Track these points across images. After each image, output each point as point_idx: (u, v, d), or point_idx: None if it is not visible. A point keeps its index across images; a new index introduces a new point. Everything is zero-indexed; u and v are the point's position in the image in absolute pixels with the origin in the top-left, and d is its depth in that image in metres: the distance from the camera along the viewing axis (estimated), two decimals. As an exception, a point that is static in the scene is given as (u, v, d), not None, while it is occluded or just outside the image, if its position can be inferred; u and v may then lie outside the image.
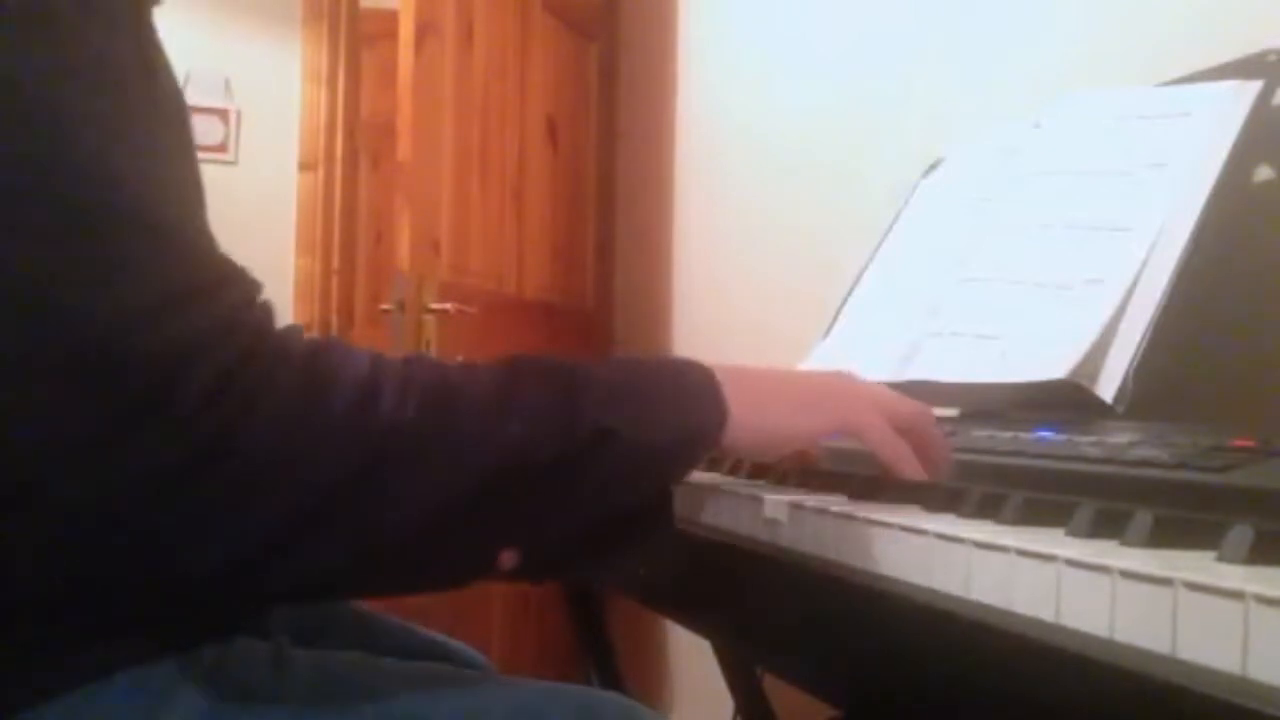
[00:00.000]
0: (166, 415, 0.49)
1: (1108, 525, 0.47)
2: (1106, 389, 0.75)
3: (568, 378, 0.60)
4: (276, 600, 0.65)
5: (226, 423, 0.50)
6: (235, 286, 0.55)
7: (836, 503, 0.62)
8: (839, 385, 0.69)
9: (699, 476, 0.82)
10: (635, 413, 0.60)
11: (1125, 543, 0.44)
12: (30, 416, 0.49)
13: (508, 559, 0.59)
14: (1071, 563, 0.41)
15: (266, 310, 0.56)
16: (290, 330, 0.56)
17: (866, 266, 1.11)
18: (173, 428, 0.49)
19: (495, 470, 0.57)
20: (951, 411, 0.90)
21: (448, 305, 1.94)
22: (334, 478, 0.53)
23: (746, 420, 0.64)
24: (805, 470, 0.74)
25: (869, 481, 0.66)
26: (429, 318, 1.93)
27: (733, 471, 0.83)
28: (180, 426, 0.49)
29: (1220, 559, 0.41)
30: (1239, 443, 0.54)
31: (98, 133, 0.51)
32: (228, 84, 3.76)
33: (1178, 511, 0.46)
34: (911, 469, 0.66)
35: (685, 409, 0.63)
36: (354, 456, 0.53)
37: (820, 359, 1.05)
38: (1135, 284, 0.78)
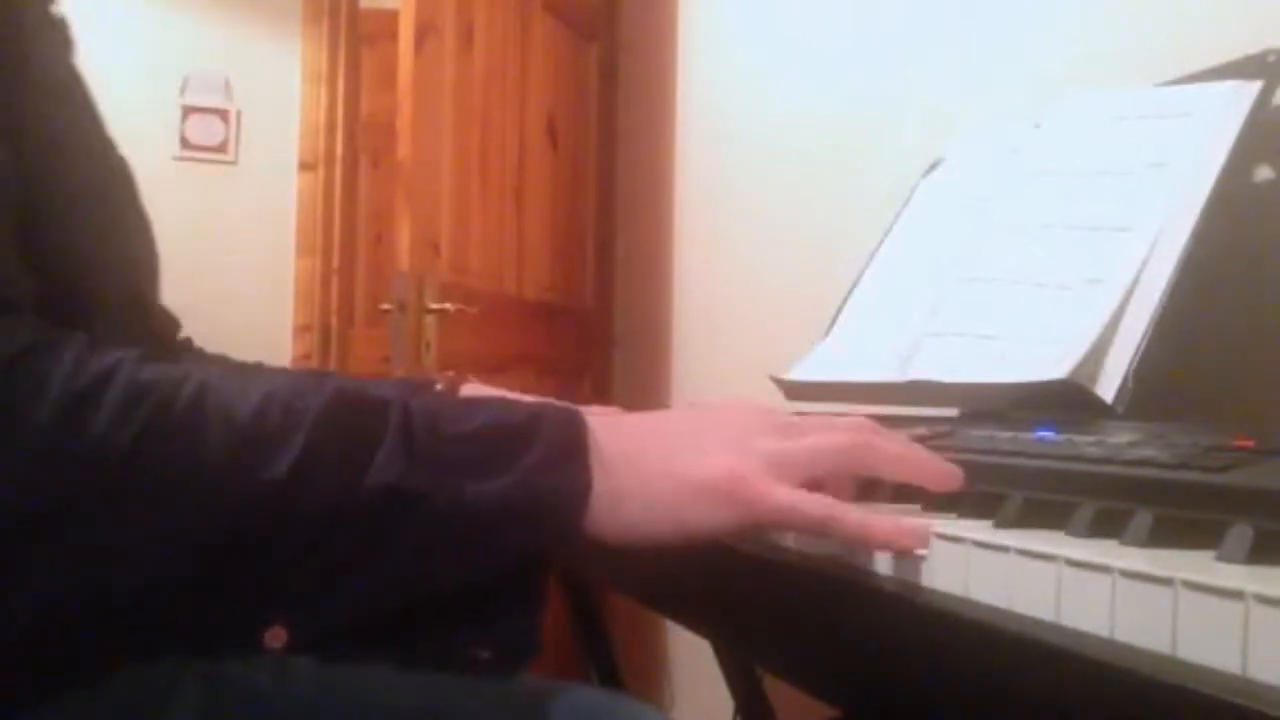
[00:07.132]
0: None
1: (1108, 525, 0.47)
2: (1106, 389, 0.75)
3: (377, 418, 0.49)
4: None
5: None
6: None
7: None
8: (747, 454, 0.53)
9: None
10: (456, 472, 0.48)
11: (1125, 543, 0.44)
12: None
13: (274, 636, 0.48)
14: (1071, 563, 0.41)
15: None
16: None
17: (866, 266, 1.11)
18: None
19: (239, 519, 0.46)
20: (951, 411, 0.90)
21: (448, 305, 1.94)
22: (15, 519, 0.43)
23: (615, 500, 0.51)
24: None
25: (868, 480, 0.66)
26: (429, 318, 1.94)
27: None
28: None
29: (1220, 559, 0.41)
30: (1239, 443, 0.54)
31: None
32: (228, 84, 3.76)
33: (1177, 511, 0.46)
34: (860, 533, 0.52)
35: (528, 478, 0.49)
36: (47, 492, 0.44)
37: (820, 359, 1.05)
38: (1135, 284, 0.78)
